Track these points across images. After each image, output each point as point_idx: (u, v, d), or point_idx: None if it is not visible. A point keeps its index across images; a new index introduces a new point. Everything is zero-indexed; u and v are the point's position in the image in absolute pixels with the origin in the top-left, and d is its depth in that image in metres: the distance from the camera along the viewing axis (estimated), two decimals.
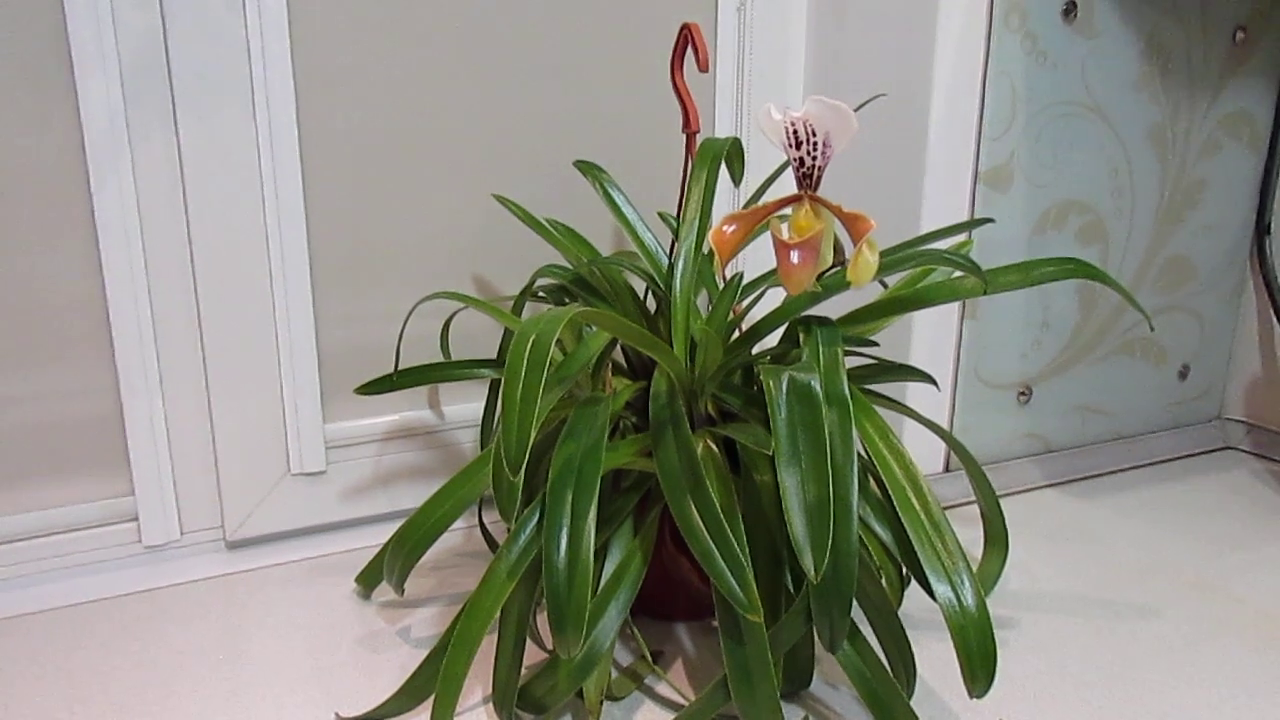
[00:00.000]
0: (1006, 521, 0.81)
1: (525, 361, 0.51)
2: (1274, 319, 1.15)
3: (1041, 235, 1.00)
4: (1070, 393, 1.08)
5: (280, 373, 0.86)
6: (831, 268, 0.58)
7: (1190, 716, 0.66)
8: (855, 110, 0.54)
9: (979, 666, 0.57)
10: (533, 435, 0.50)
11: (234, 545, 0.88)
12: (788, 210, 0.57)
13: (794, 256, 0.55)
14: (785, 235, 0.56)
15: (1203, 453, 1.18)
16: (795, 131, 0.55)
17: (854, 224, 0.55)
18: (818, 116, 0.53)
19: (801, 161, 0.56)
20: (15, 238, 0.77)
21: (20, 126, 0.76)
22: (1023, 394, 1.04)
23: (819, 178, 0.56)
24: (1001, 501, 0.81)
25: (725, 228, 0.57)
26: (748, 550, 0.58)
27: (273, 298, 0.85)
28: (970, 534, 0.84)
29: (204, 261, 0.82)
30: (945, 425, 1.00)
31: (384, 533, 0.77)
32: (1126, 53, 1.00)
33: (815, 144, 0.54)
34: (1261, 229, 1.15)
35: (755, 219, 0.58)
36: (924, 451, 0.99)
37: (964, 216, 0.95)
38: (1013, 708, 0.67)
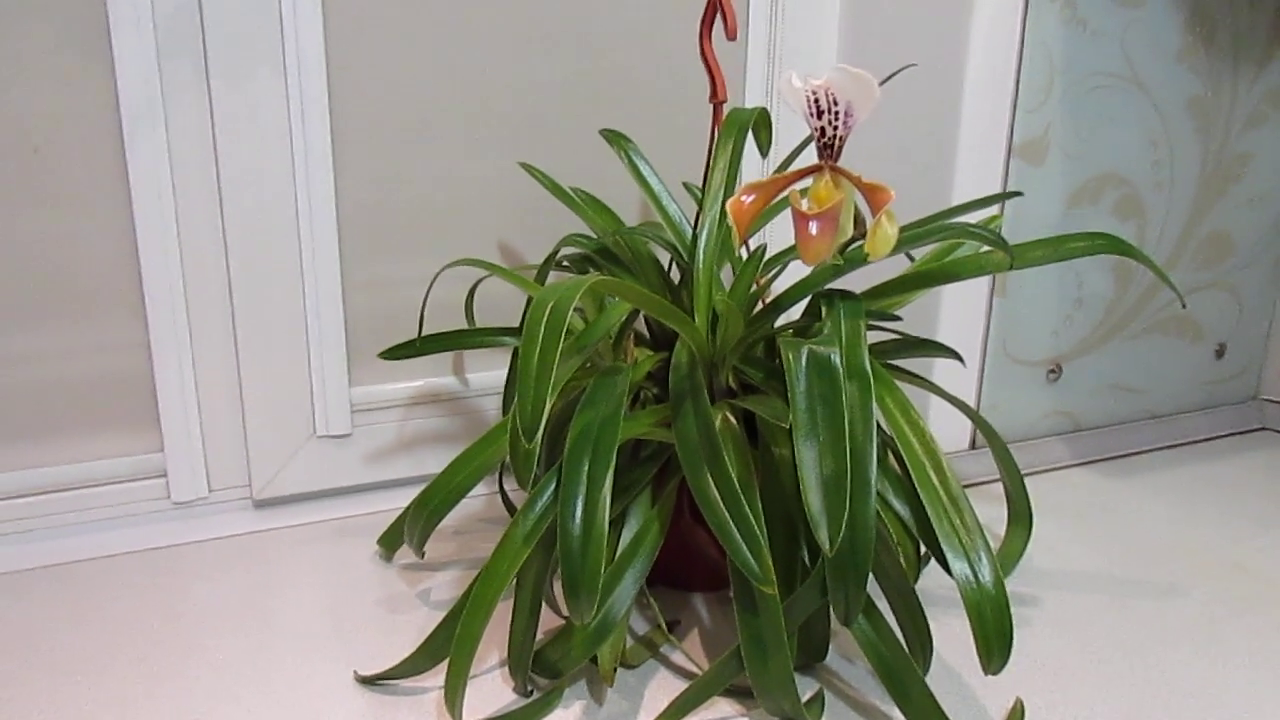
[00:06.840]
0: (1032, 500, 0.80)
1: (543, 328, 0.51)
2: None
3: (1077, 209, 0.98)
4: (1102, 371, 1.06)
5: (307, 336, 0.87)
6: (852, 240, 0.58)
7: (1214, 696, 0.65)
8: (882, 82, 0.53)
9: (995, 644, 0.57)
10: (549, 402, 0.50)
11: (261, 504, 0.89)
12: (809, 181, 0.57)
13: (812, 228, 0.54)
14: (804, 206, 0.55)
15: (1238, 433, 1.16)
16: (816, 100, 0.54)
17: (873, 195, 0.54)
18: (839, 85, 0.53)
19: (823, 131, 0.55)
20: (51, 196, 0.78)
21: (57, 87, 0.77)
22: (1052, 371, 1.03)
23: (840, 148, 0.55)
24: (1029, 480, 0.80)
25: (744, 198, 0.57)
26: (764, 523, 0.58)
27: (301, 260, 0.85)
28: (995, 512, 0.83)
29: (234, 223, 0.82)
30: (972, 402, 0.99)
31: (407, 496, 0.78)
32: (1169, 23, 0.97)
33: (837, 113, 0.54)
34: None
35: (774, 189, 0.57)
36: (950, 428, 0.98)
37: (997, 190, 0.93)
38: (1031, 686, 0.66)
